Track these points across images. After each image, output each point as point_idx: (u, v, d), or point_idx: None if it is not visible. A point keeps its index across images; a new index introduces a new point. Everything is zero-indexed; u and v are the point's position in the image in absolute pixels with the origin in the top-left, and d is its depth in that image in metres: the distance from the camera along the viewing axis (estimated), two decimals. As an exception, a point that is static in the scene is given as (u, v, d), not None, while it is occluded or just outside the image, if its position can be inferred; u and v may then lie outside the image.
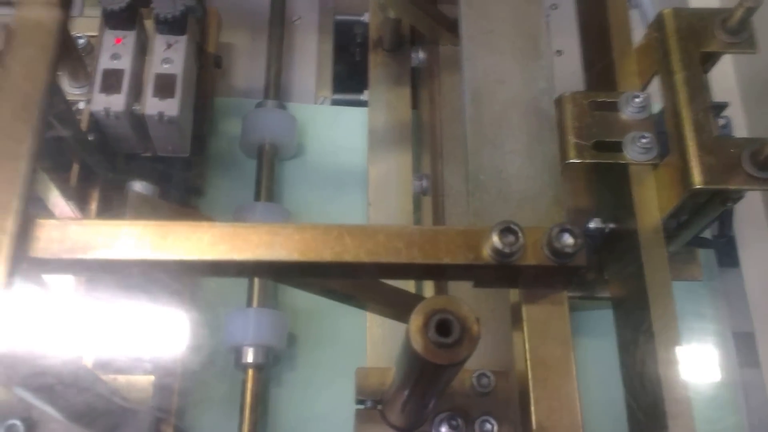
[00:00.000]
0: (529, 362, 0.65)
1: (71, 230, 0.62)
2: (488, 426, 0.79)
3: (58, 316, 0.71)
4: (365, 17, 1.32)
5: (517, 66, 0.80)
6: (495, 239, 0.63)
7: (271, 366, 1.10)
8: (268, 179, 1.16)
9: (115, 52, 0.95)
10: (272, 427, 1.08)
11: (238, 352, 1.07)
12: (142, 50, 0.98)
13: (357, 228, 0.64)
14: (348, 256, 0.63)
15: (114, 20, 0.94)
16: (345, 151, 1.24)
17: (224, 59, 1.25)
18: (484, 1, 0.82)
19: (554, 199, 0.74)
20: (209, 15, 1.22)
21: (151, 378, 0.90)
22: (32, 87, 0.64)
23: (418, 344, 0.55)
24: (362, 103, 1.27)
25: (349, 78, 1.32)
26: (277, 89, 1.23)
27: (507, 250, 0.63)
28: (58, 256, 0.61)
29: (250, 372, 1.06)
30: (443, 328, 0.55)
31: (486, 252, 0.63)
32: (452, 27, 1.04)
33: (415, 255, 0.63)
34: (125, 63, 0.94)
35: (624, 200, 0.87)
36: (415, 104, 1.22)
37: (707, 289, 1.15)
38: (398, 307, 0.84)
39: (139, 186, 0.76)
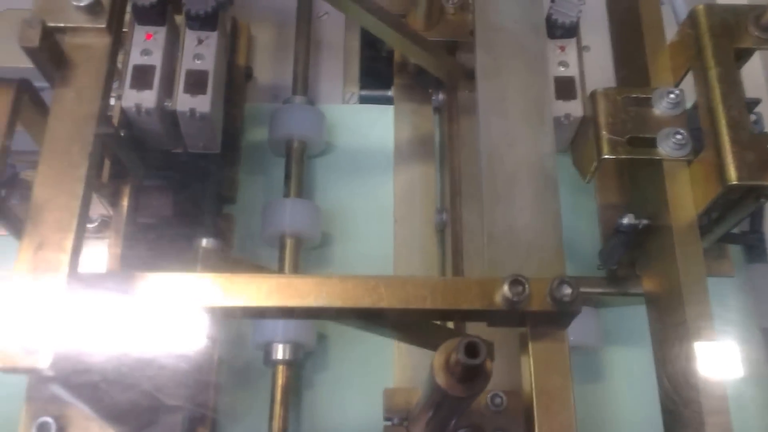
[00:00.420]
0: (534, 390, 0.72)
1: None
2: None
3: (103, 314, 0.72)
4: (392, 12, 1.33)
5: (526, 131, 0.87)
6: (505, 289, 0.70)
7: (301, 364, 1.10)
8: (297, 176, 1.17)
9: (146, 47, 0.95)
10: (302, 424, 1.09)
11: (267, 349, 1.07)
12: (172, 46, 0.98)
13: (390, 279, 0.72)
14: (383, 303, 0.71)
15: (144, 16, 0.95)
16: (373, 147, 1.24)
17: (250, 55, 1.25)
18: (497, 72, 0.90)
19: (557, 250, 0.81)
20: (239, 28, 1.23)
21: (187, 375, 0.91)
22: (86, 111, 0.66)
23: (441, 379, 0.65)
24: (389, 99, 1.27)
25: (375, 74, 1.32)
26: (305, 85, 1.23)
27: (515, 299, 0.70)
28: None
29: (280, 368, 1.07)
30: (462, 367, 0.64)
31: (498, 299, 0.71)
32: (470, 75, 1.07)
33: (438, 302, 0.71)
34: (156, 59, 0.95)
35: (657, 196, 0.87)
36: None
37: (735, 285, 1.15)
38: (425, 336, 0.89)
39: (207, 242, 0.81)
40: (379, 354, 1.11)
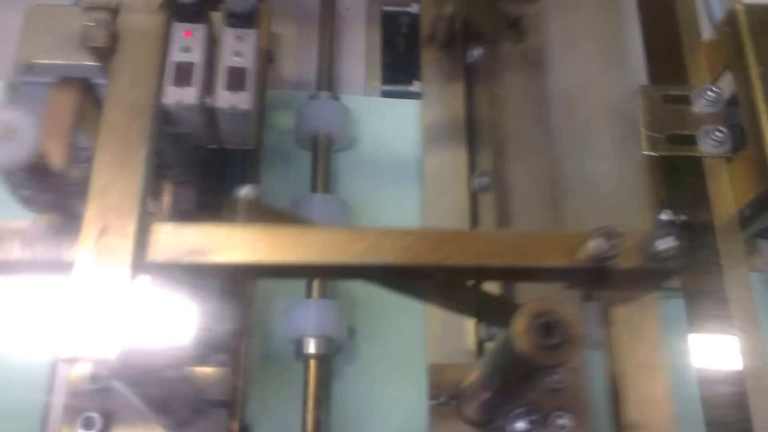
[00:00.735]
0: (620, 363, 0.68)
1: (187, 234, 0.63)
2: (562, 421, 0.81)
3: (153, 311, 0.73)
4: (412, 8, 1.33)
5: (601, 72, 0.83)
6: (595, 243, 0.64)
7: (332, 357, 1.11)
8: (324, 171, 1.17)
9: (185, 44, 0.95)
10: (334, 418, 1.09)
11: (299, 343, 1.08)
12: (210, 43, 0.98)
13: (458, 233, 0.68)
14: (451, 261, 0.65)
15: (184, 13, 0.95)
16: (396, 142, 1.25)
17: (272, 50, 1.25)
18: (569, 8, 0.86)
19: (642, 202, 0.77)
20: (260, 10, 1.22)
21: (226, 370, 0.91)
22: (142, 93, 0.65)
23: (522, 346, 0.57)
24: (410, 95, 1.28)
25: (396, 69, 1.32)
26: (329, 80, 1.24)
27: (607, 254, 0.64)
28: (175, 259, 0.62)
29: (312, 363, 1.07)
30: (547, 330, 0.57)
31: (583, 255, 0.65)
32: (514, 25, 1.05)
33: (512, 258, 0.65)
34: (196, 56, 0.95)
35: (696, 192, 0.88)
36: (469, 101, 1.22)
37: (761, 280, 1.16)
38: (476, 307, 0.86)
39: (247, 189, 0.77)
40: (411, 347, 1.12)
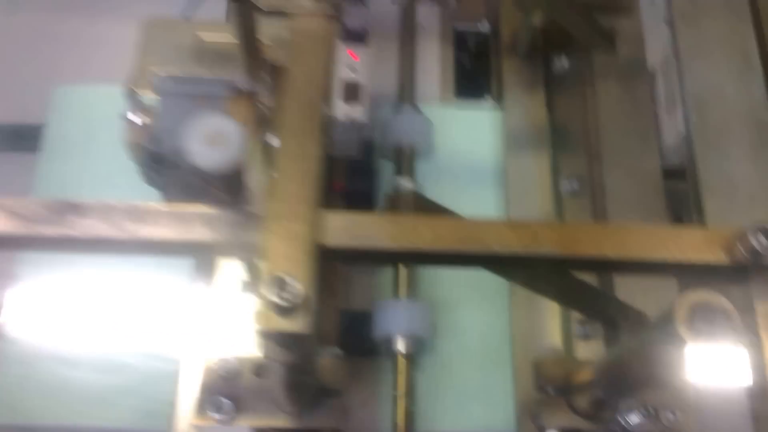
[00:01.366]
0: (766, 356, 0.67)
1: (356, 221, 0.68)
2: (670, 416, 0.86)
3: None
4: (482, 27, 1.40)
5: (735, 77, 0.88)
6: (755, 240, 0.66)
7: (418, 355, 1.16)
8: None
9: (349, 63, 1.02)
10: (420, 411, 1.14)
11: (388, 341, 1.13)
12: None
13: (598, 226, 0.70)
14: (592, 251, 0.68)
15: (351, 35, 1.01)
16: (472, 150, 1.30)
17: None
18: (697, 19, 0.92)
19: None
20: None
21: (340, 361, 0.97)
22: (314, 90, 0.71)
23: (684, 331, 0.61)
24: (485, 107, 1.34)
25: (466, 83, 1.39)
26: (411, 94, 1.30)
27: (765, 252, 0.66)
28: (347, 245, 0.67)
29: (400, 359, 1.12)
30: (708, 318, 0.62)
31: (739, 252, 0.67)
32: (608, 36, 1.11)
33: (664, 254, 0.68)
34: (363, 77, 1.01)
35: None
36: (551, 107, 1.28)
37: None
38: (581, 300, 0.91)
39: (406, 182, 0.84)
40: (491, 344, 1.17)
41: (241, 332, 1.03)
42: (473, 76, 1.39)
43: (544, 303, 1.13)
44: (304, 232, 0.65)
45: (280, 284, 0.61)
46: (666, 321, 0.63)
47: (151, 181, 0.93)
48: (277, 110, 0.75)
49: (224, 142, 0.62)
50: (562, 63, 1.28)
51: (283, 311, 0.61)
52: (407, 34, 1.34)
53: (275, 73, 0.77)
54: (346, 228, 0.67)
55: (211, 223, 0.66)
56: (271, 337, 0.63)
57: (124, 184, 0.99)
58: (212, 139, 0.62)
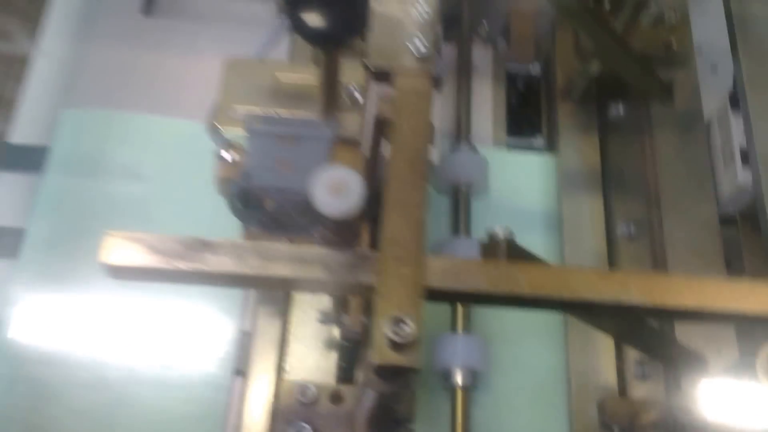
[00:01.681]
0: None
1: (458, 267, 0.73)
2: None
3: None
4: (533, 69, 1.46)
5: None
6: None
7: (475, 389, 1.20)
8: (465, 216, 1.28)
9: None
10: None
11: (446, 374, 1.17)
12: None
13: (685, 277, 0.74)
14: (684, 302, 0.72)
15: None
16: (526, 193, 1.35)
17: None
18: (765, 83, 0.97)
19: None
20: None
21: (411, 391, 1.01)
22: (419, 142, 0.76)
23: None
24: (536, 147, 1.40)
25: (518, 123, 1.44)
26: (468, 134, 1.35)
27: None
28: (452, 288, 0.72)
29: (459, 393, 1.16)
30: None
31: None
32: (665, 87, 1.17)
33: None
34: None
35: None
36: (604, 152, 1.34)
37: None
38: (642, 341, 0.95)
39: (503, 230, 0.89)
40: (545, 379, 1.21)
41: (316, 359, 1.08)
42: (523, 117, 1.44)
43: (600, 341, 1.17)
44: (415, 274, 0.70)
45: (396, 322, 0.65)
46: (745, 367, 0.69)
47: (238, 213, 0.98)
48: (380, 160, 0.80)
49: (346, 191, 0.66)
50: (618, 110, 1.33)
51: (398, 347, 0.65)
52: (463, 74, 1.39)
53: (379, 125, 0.82)
54: (448, 272, 0.72)
55: (328, 263, 0.71)
56: (384, 370, 0.67)
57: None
58: (336, 188, 0.67)
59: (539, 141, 1.41)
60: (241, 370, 1.14)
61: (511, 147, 1.42)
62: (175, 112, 1.37)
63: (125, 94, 1.39)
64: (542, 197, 1.34)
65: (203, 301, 1.22)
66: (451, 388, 1.17)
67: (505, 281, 0.72)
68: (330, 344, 1.15)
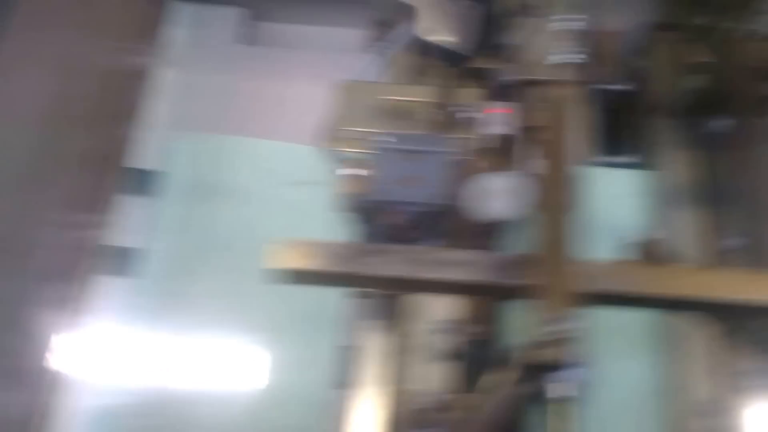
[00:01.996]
0: None
1: (605, 270, 0.76)
2: None
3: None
4: (622, 85, 1.48)
5: None
6: None
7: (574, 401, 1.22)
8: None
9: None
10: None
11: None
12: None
13: None
14: None
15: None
16: (619, 207, 1.37)
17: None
18: None
19: None
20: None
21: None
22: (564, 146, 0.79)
23: None
24: (630, 165, 1.42)
25: (608, 140, 1.46)
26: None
27: None
28: (603, 291, 0.75)
29: (559, 406, 1.18)
30: None
31: None
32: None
33: None
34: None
35: None
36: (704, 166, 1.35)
37: None
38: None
39: (657, 233, 0.92)
40: (637, 392, 1.22)
41: (426, 370, 1.11)
42: (618, 134, 1.46)
43: (696, 357, 1.18)
44: (572, 276, 0.73)
45: (560, 322, 0.68)
46: None
47: (357, 227, 1.01)
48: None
49: (520, 194, 0.70)
50: (719, 124, 1.34)
51: (558, 344, 0.68)
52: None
53: (528, 132, 0.85)
54: (606, 275, 0.75)
55: (494, 266, 0.74)
56: (538, 367, 0.70)
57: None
58: (499, 193, 0.71)
59: (634, 157, 1.43)
60: (343, 383, 1.16)
61: (605, 164, 1.44)
62: (275, 135, 1.42)
63: (228, 119, 1.44)
64: (639, 213, 1.36)
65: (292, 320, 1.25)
66: (557, 402, 1.18)
67: (664, 283, 0.75)
68: (439, 354, 1.17)
